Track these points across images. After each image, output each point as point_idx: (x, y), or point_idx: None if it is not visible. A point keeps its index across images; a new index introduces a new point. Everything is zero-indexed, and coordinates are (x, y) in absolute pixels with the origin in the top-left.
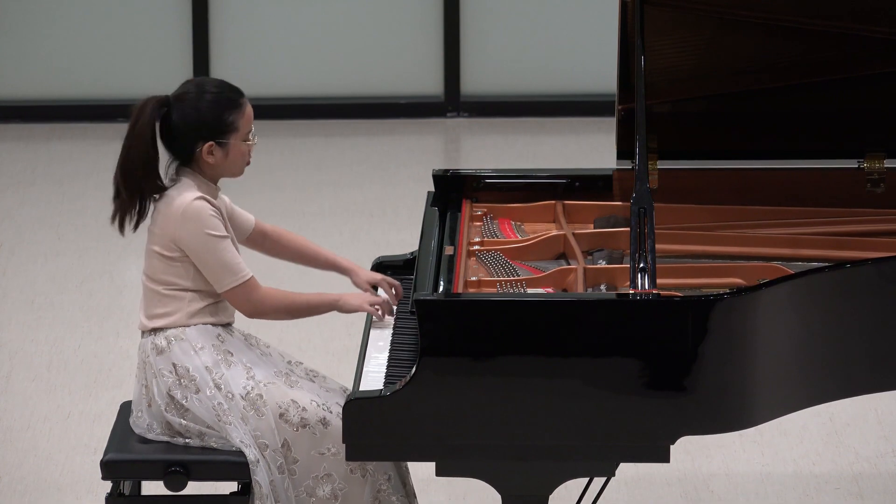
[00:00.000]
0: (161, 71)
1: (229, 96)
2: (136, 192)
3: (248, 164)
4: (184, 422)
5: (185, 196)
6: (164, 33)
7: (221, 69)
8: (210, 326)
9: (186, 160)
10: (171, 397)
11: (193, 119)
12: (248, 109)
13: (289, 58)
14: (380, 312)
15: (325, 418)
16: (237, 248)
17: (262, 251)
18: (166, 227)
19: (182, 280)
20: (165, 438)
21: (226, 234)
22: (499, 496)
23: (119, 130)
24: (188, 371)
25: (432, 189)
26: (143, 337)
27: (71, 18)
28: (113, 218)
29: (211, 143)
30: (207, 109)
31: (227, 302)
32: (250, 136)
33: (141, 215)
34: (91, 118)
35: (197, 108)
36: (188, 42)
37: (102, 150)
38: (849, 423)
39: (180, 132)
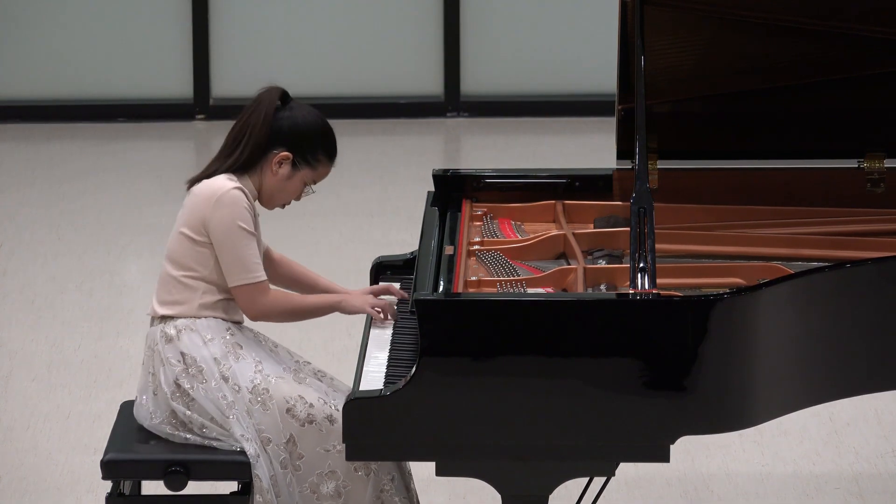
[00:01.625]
0: (161, 71)
1: (333, 144)
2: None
3: (284, 206)
4: (188, 412)
5: (226, 183)
6: (164, 33)
7: (221, 69)
8: (221, 321)
9: (254, 158)
10: (178, 385)
11: (296, 126)
12: (330, 171)
13: (289, 58)
14: (381, 315)
15: (331, 415)
16: (260, 252)
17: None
18: (200, 209)
19: (202, 268)
20: (166, 429)
21: (253, 231)
22: (499, 496)
23: (119, 130)
24: (196, 361)
25: (432, 189)
26: (152, 325)
27: (71, 19)
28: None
29: (291, 155)
30: (312, 132)
31: None
32: (312, 186)
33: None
34: (91, 118)
35: (305, 123)
36: (188, 42)
37: (102, 150)
38: (849, 423)
39: (276, 126)
